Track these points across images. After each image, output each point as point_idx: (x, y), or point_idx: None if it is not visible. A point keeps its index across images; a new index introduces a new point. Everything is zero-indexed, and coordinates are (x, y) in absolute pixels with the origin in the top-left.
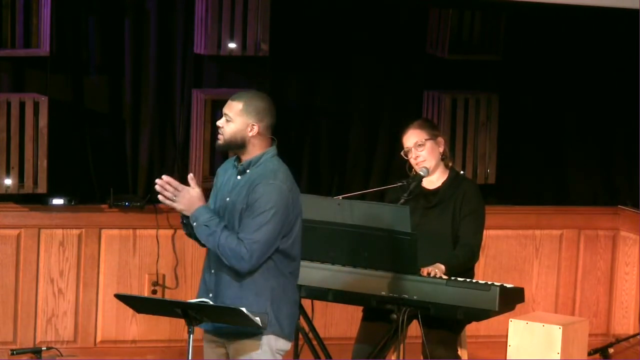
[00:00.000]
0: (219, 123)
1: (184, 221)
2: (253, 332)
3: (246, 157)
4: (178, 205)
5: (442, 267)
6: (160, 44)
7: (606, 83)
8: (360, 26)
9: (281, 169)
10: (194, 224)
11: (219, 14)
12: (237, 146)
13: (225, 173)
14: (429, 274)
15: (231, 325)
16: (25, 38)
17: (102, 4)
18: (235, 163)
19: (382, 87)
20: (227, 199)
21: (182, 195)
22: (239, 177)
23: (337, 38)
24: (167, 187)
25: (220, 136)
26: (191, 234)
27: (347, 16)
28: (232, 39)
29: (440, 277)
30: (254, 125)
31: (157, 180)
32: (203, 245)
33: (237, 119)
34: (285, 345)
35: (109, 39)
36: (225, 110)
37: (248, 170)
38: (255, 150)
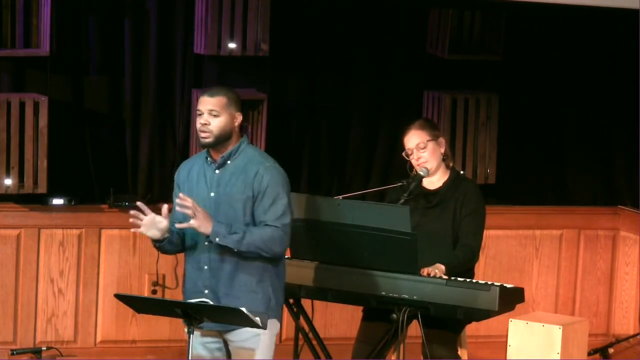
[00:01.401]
0: (204, 121)
1: (158, 244)
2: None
3: (226, 149)
4: (196, 223)
5: (442, 267)
6: (160, 44)
7: (606, 83)
8: (360, 26)
9: (263, 152)
10: (217, 238)
11: (219, 14)
12: (225, 139)
13: (189, 176)
14: (429, 274)
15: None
16: (25, 38)
17: (102, 4)
18: (209, 159)
19: (382, 87)
20: (212, 194)
21: (200, 212)
22: (217, 171)
23: (337, 38)
24: (189, 204)
25: (207, 134)
26: (168, 250)
27: (347, 16)
28: (232, 39)
29: (440, 277)
30: (238, 115)
31: (184, 202)
32: (181, 251)
33: (224, 112)
34: (278, 328)
35: (109, 39)
36: (209, 106)
37: (229, 162)
38: (235, 140)
